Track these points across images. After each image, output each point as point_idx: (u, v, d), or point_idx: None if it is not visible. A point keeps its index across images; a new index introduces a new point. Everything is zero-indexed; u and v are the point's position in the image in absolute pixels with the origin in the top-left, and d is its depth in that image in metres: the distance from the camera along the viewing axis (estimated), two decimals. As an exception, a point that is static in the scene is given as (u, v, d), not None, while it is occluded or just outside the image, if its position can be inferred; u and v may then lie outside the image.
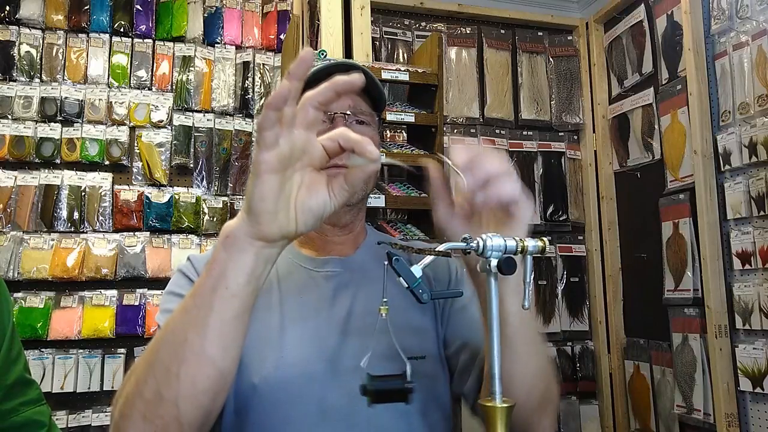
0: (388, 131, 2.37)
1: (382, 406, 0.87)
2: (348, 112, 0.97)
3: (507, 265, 0.69)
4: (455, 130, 2.67)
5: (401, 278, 0.68)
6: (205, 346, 0.64)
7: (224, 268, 0.64)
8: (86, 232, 2.29)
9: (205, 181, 2.45)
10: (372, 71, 1.08)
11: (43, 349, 2.16)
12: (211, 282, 0.64)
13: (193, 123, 2.46)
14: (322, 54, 1.87)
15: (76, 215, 2.28)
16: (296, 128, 0.61)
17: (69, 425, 2.14)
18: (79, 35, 2.39)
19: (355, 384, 0.84)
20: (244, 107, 2.53)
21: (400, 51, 2.66)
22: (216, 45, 2.55)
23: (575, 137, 2.88)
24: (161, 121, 2.41)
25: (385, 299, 0.72)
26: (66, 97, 2.33)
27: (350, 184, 0.63)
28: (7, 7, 2.32)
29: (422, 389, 0.92)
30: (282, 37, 2.58)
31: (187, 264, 0.97)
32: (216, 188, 2.46)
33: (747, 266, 2.00)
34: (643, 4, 2.54)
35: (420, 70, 2.10)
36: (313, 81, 0.93)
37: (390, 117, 1.94)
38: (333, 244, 1.02)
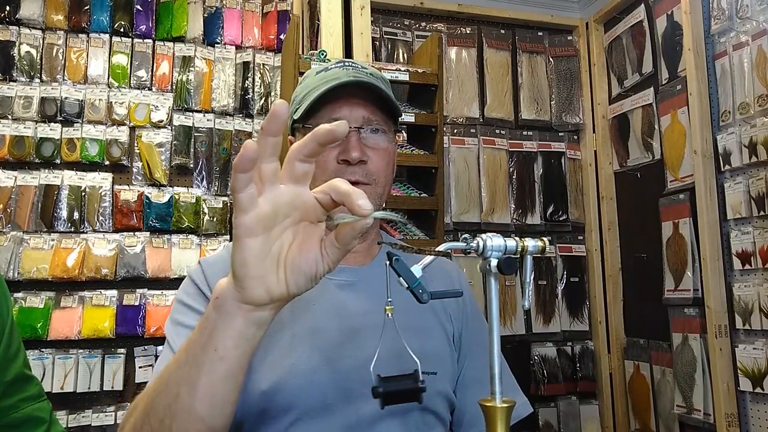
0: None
1: (388, 415, 0.87)
2: (361, 126, 0.96)
3: (507, 266, 0.69)
4: (455, 130, 2.67)
5: (401, 278, 0.68)
6: (194, 405, 0.62)
7: (213, 328, 0.61)
8: (86, 232, 2.28)
9: (205, 181, 2.45)
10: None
11: (43, 349, 2.16)
12: (201, 340, 0.62)
13: (193, 123, 2.46)
14: (323, 54, 1.87)
15: (76, 215, 2.28)
16: (282, 183, 0.57)
17: (69, 425, 2.14)
18: (79, 35, 2.39)
19: (364, 393, 0.83)
20: (244, 107, 2.52)
21: (400, 51, 2.66)
22: (216, 45, 2.55)
23: (575, 137, 2.88)
24: (161, 121, 2.41)
25: (390, 299, 0.72)
26: (66, 97, 2.33)
27: (342, 243, 0.58)
28: (7, 7, 2.32)
29: (428, 404, 0.93)
30: (282, 37, 2.57)
31: (197, 270, 0.96)
32: (216, 188, 2.46)
33: (747, 266, 2.00)
34: (643, 4, 2.54)
35: (420, 70, 2.10)
36: (329, 94, 0.94)
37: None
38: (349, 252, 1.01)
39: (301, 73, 1.86)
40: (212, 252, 2.32)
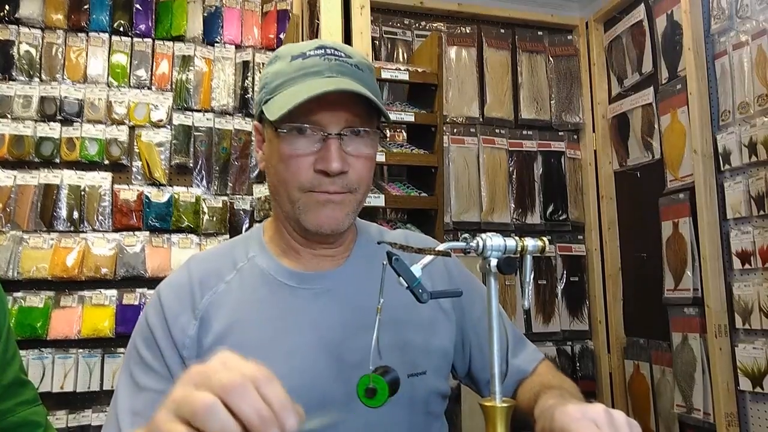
0: (388, 131, 2.37)
1: (386, 424, 0.86)
2: (342, 132, 0.84)
3: (507, 265, 0.69)
4: (455, 130, 2.67)
5: (401, 278, 0.68)
6: None
7: None
8: (86, 232, 2.28)
9: (204, 180, 2.45)
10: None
11: (42, 349, 2.16)
12: None
13: (192, 122, 2.46)
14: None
15: (75, 215, 2.28)
16: None
17: (69, 425, 2.13)
18: (79, 34, 2.39)
19: (350, 406, 0.79)
20: (243, 106, 2.52)
21: (400, 50, 2.66)
22: (215, 44, 2.54)
23: (575, 137, 2.88)
24: (161, 121, 2.41)
25: (382, 299, 0.71)
26: (65, 97, 2.33)
27: None
28: (7, 7, 2.32)
29: (423, 404, 0.91)
30: (282, 36, 2.57)
31: (154, 304, 0.88)
32: (215, 188, 2.46)
33: (747, 266, 2.00)
34: (642, 4, 2.54)
35: (420, 70, 2.10)
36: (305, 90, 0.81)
37: (390, 116, 1.95)
38: (321, 258, 0.93)
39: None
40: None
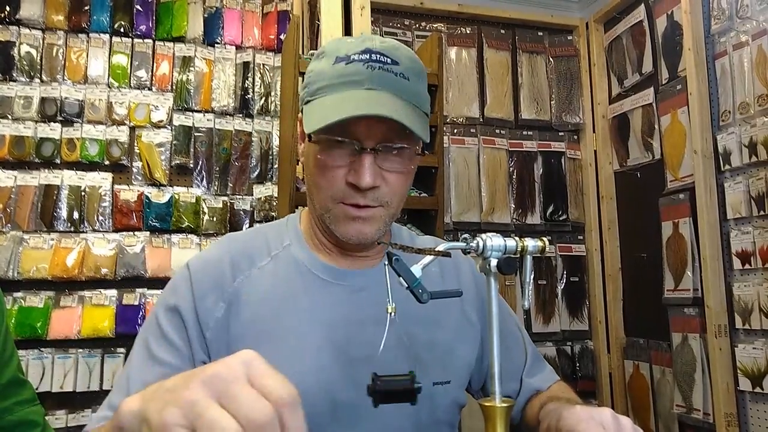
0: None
1: (394, 416, 0.85)
2: (377, 147, 0.81)
3: (507, 265, 0.69)
4: (455, 130, 2.67)
5: (401, 278, 0.68)
6: None
7: None
8: (86, 232, 2.28)
9: (204, 180, 2.45)
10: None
11: (42, 349, 2.16)
12: None
13: (193, 123, 2.46)
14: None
15: (75, 215, 2.28)
16: None
17: (68, 425, 2.13)
18: (79, 35, 2.39)
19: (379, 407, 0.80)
20: (244, 107, 2.52)
21: (400, 51, 2.65)
22: (216, 45, 2.54)
23: (575, 137, 2.88)
24: (161, 121, 2.41)
25: (390, 300, 0.70)
26: (66, 97, 2.33)
27: None
28: (7, 8, 2.32)
29: (442, 415, 0.90)
30: (282, 37, 2.57)
31: (183, 278, 0.87)
32: (216, 188, 2.46)
33: (747, 266, 2.00)
34: (643, 4, 2.54)
35: (420, 70, 2.10)
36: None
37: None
38: (357, 257, 0.92)
39: (302, 74, 1.86)
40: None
